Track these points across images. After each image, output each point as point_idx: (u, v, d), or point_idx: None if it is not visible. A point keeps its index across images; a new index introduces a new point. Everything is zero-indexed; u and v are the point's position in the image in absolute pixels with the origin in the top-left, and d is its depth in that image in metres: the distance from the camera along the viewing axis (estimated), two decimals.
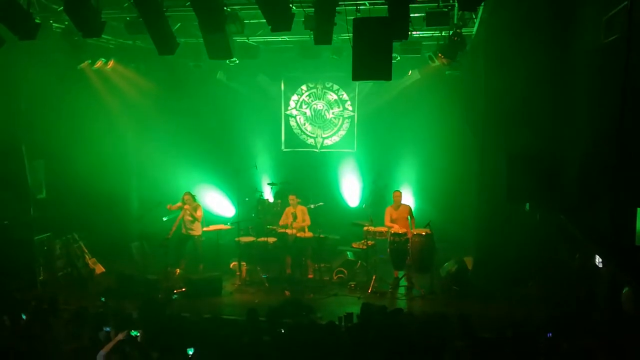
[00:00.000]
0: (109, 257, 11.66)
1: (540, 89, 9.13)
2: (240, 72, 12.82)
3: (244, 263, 10.66)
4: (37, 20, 8.57)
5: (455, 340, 6.17)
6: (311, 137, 14.25)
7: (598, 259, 7.34)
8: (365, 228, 10.45)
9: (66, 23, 9.57)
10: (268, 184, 13.38)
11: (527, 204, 9.27)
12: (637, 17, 5.81)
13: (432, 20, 8.64)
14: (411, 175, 12.99)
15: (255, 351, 6.12)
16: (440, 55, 10.16)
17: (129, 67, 12.32)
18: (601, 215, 6.83)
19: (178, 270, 10.69)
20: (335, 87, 13.96)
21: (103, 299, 9.35)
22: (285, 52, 11.95)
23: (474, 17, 9.65)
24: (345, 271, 10.70)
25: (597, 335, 6.55)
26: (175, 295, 9.53)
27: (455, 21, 9.28)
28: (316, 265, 10.63)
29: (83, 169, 11.56)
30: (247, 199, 12.96)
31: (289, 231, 10.69)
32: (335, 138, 14.14)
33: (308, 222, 10.87)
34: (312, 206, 11.59)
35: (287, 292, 9.93)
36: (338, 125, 14.08)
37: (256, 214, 12.36)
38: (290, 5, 7.94)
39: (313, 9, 7.99)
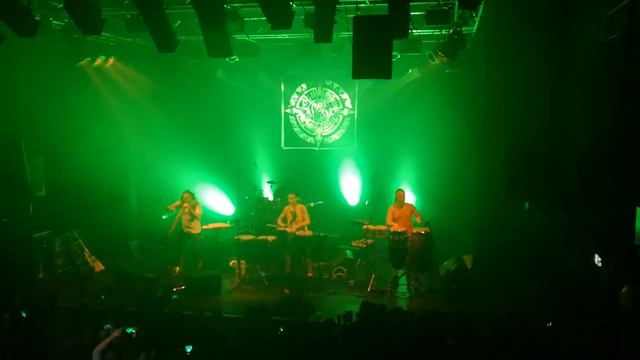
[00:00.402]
0: (109, 255, 11.66)
1: (540, 87, 9.13)
2: (240, 70, 12.81)
3: (243, 261, 10.66)
4: (37, 18, 8.55)
5: (454, 339, 6.16)
6: (311, 135, 14.25)
7: (597, 258, 7.35)
8: (365, 227, 10.44)
9: (66, 20, 9.56)
10: (267, 182, 13.39)
11: (527, 203, 9.28)
12: (637, 15, 5.80)
13: (432, 18, 8.64)
14: (411, 173, 12.99)
15: (254, 349, 6.12)
16: (440, 53, 10.16)
17: (128, 65, 12.32)
18: (601, 214, 6.83)
19: (177, 268, 10.70)
20: (335, 85, 13.96)
21: (103, 296, 9.37)
22: (285, 50, 11.95)
23: (474, 15, 9.64)
24: (345, 270, 10.70)
25: (596, 335, 6.55)
26: (175, 296, 9.52)
27: (455, 19, 9.27)
28: (315, 264, 10.62)
29: (83, 167, 11.55)
30: (246, 197, 12.97)
31: (288, 229, 10.69)
32: (335, 136, 14.14)
33: (308, 220, 10.87)
34: (311, 204, 11.58)
35: (286, 291, 9.93)
36: (338, 124, 14.08)
37: (256, 212, 12.36)
38: (291, 3, 7.93)
39: (313, 7, 8.00)
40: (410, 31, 8.33)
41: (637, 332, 5.98)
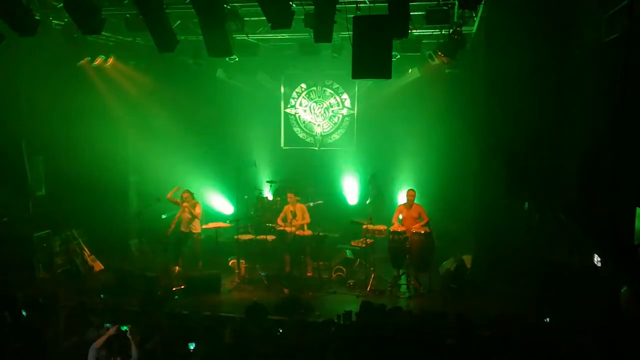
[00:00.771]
0: (108, 254, 11.66)
1: (541, 87, 9.13)
2: (240, 69, 12.79)
3: (243, 261, 10.66)
4: (36, 17, 8.55)
5: (453, 338, 6.16)
6: (311, 135, 14.25)
7: (597, 258, 7.35)
8: (364, 226, 10.45)
9: (66, 20, 9.55)
10: (267, 181, 13.38)
11: (526, 203, 9.28)
12: (638, 16, 5.81)
13: (432, 18, 8.63)
14: (410, 173, 12.96)
15: (253, 348, 6.12)
16: (440, 53, 10.15)
17: (128, 65, 12.30)
18: (600, 215, 6.84)
19: (177, 268, 10.69)
20: (335, 85, 13.96)
21: (102, 295, 9.38)
22: (285, 50, 11.95)
23: (474, 15, 9.64)
24: (344, 269, 10.71)
25: (596, 335, 6.55)
26: (177, 296, 9.54)
27: (455, 19, 9.26)
28: (315, 264, 10.63)
29: (82, 166, 11.56)
30: (246, 196, 12.97)
31: (287, 229, 10.69)
32: (335, 136, 14.14)
33: (308, 220, 10.87)
34: (311, 204, 11.58)
35: (285, 290, 9.93)
36: (337, 123, 14.08)
37: (255, 212, 12.36)
38: (290, 3, 7.93)
39: (313, 7, 7.98)
40: (410, 31, 8.34)
41: (637, 332, 5.98)
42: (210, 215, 12.78)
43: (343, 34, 8.95)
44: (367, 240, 10.37)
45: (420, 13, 8.90)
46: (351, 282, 10.32)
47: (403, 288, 10.12)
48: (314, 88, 14.10)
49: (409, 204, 10.30)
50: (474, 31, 10.18)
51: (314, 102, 14.14)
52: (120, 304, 7.91)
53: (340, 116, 14.04)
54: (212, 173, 13.62)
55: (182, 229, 10.79)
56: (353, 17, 7.46)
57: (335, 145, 14.11)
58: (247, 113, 13.55)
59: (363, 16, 7.57)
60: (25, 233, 10.49)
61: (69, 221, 11.48)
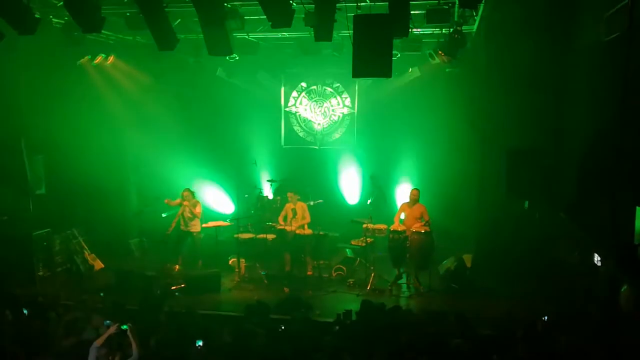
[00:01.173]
0: (108, 253, 11.66)
1: (541, 86, 9.13)
2: (240, 68, 12.79)
3: (243, 260, 10.66)
4: (37, 15, 8.56)
5: (453, 338, 6.16)
6: (311, 133, 14.25)
7: (597, 257, 7.35)
8: (365, 225, 10.45)
9: (66, 18, 9.55)
10: (267, 180, 13.38)
11: (526, 202, 9.28)
12: (638, 15, 5.80)
13: (433, 17, 8.63)
14: (411, 172, 12.96)
15: (253, 347, 6.12)
16: (440, 52, 10.15)
17: (128, 63, 12.30)
18: (600, 214, 6.83)
19: (177, 267, 10.70)
20: (336, 84, 13.95)
21: (102, 294, 9.38)
22: (285, 49, 11.95)
23: (474, 14, 9.63)
24: (344, 268, 10.71)
25: (596, 334, 6.55)
26: (177, 293, 9.54)
27: (455, 18, 9.26)
28: (315, 263, 10.63)
29: (82, 165, 11.56)
30: (246, 195, 12.96)
31: (288, 228, 10.69)
32: (335, 135, 14.13)
33: (308, 219, 10.86)
34: (311, 203, 11.58)
35: (286, 289, 9.93)
36: (338, 122, 14.07)
37: (255, 211, 12.35)
38: (291, 1, 7.93)
39: (313, 6, 7.98)
40: (410, 30, 8.33)
41: (637, 331, 5.98)
42: (211, 214, 12.78)
43: (343, 33, 8.94)
44: (367, 239, 10.37)
45: (420, 12, 8.90)
46: (351, 281, 10.32)
47: (403, 287, 10.12)
48: (315, 87, 14.09)
49: (412, 203, 10.28)
50: (474, 30, 10.17)
51: (315, 101, 14.14)
52: (120, 303, 7.90)
53: (341, 115, 14.03)
54: (213, 172, 13.61)
55: (182, 227, 10.80)
56: (353, 15, 7.45)
57: (336, 144, 14.10)
58: (247, 112, 13.54)
59: (363, 15, 7.57)
60: (25, 232, 10.49)
61: (69, 220, 11.48)
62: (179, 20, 9.83)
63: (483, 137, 10.39)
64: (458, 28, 9.33)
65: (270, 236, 10.76)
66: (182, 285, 9.92)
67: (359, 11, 7.76)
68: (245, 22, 9.27)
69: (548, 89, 9.10)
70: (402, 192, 10.75)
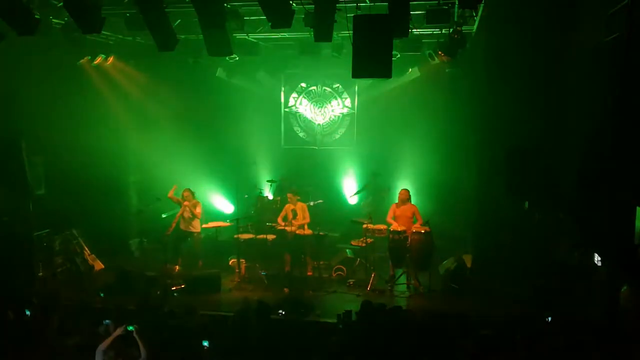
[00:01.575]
0: (108, 254, 11.65)
1: (540, 86, 9.13)
2: (240, 68, 12.80)
3: (243, 260, 10.66)
4: (36, 16, 8.55)
5: (454, 338, 6.17)
6: (311, 134, 14.25)
7: (597, 257, 7.35)
8: (365, 226, 10.45)
9: (66, 19, 9.54)
10: (267, 181, 13.38)
11: (526, 202, 9.28)
12: (638, 15, 5.81)
13: (433, 17, 8.64)
14: (411, 172, 12.96)
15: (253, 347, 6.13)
16: (440, 52, 10.15)
17: (128, 64, 12.30)
18: (600, 214, 6.84)
19: (177, 267, 10.70)
20: (335, 84, 13.95)
21: (102, 294, 9.38)
22: (285, 49, 11.94)
23: (474, 14, 9.63)
24: (345, 268, 10.70)
25: (596, 334, 6.55)
26: (176, 294, 9.54)
27: (455, 19, 9.26)
28: (315, 263, 10.63)
29: (82, 165, 11.54)
30: (246, 196, 12.97)
31: (288, 228, 10.69)
32: (335, 135, 14.14)
33: (308, 219, 10.86)
34: (311, 203, 11.58)
35: (286, 290, 9.93)
36: (338, 123, 14.08)
37: (255, 211, 12.35)
38: (291, 2, 7.93)
39: (313, 6, 7.98)
40: (410, 30, 8.34)
41: (637, 331, 5.98)
42: (211, 214, 12.78)
43: (343, 33, 8.95)
44: (368, 239, 10.37)
45: (420, 12, 8.91)
46: (351, 281, 10.32)
47: (403, 287, 10.12)
48: (314, 87, 14.09)
49: (400, 203, 10.29)
50: (474, 30, 10.18)
51: (314, 101, 14.14)
52: (120, 303, 7.90)
53: (340, 115, 14.04)
54: (212, 172, 13.61)
55: (182, 228, 10.80)
56: (353, 16, 7.46)
57: (336, 145, 14.11)
58: (247, 112, 13.54)
59: (363, 15, 7.57)
60: (25, 232, 10.47)
61: (69, 220, 11.46)
62: (179, 20, 9.83)
63: (483, 137, 10.40)
64: (458, 28, 9.34)
65: (270, 236, 10.76)
66: (182, 286, 9.92)
67: (358, 11, 7.76)
68: (245, 22, 9.27)
69: (548, 89, 9.11)
70: (399, 192, 10.70)
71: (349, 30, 7.45)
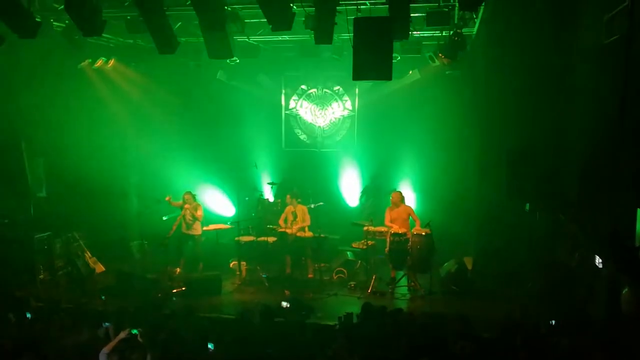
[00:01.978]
0: (109, 256, 11.66)
1: (541, 88, 9.13)
2: (241, 71, 12.81)
3: (244, 262, 10.67)
4: (37, 19, 8.56)
5: (456, 341, 6.16)
6: (311, 136, 14.25)
7: (598, 259, 7.34)
8: (365, 228, 10.44)
9: (67, 22, 9.57)
10: (268, 183, 13.39)
11: (527, 204, 9.27)
12: (638, 17, 5.81)
13: (433, 20, 8.65)
14: (411, 175, 12.96)
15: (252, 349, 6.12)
16: (440, 55, 10.16)
17: (129, 66, 12.32)
18: (601, 216, 6.83)
19: (178, 270, 10.70)
20: (336, 86, 13.96)
21: (103, 296, 9.37)
22: (285, 52, 11.95)
23: (474, 17, 9.65)
24: (345, 271, 10.71)
25: (597, 336, 6.55)
26: (175, 298, 9.54)
27: (455, 21, 9.27)
28: (316, 265, 10.63)
29: (83, 168, 11.56)
30: (247, 198, 12.97)
31: (288, 231, 10.69)
32: (336, 137, 14.14)
33: (308, 221, 10.86)
34: (312, 206, 11.58)
35: (286, 292, 9.91)
36: (338, 125, 14.08)
37: (256, 214, 12.35)
38: (291, 4, 7.94)
39: (314, 9, 8.00)
40: (410, 33, 8.35)
41: (638, 333, 5.98)
42: (211, 217, 12.78)
43: (343, 36, 8.96)
44: (368, 242, 10.36)
45: (420, 15, 8.91)
46: (352, 283, 10.32)
47: (404, 290, 10.11)
48: (315, 90, 14.10)
49: (394, 206, 10.29)
50: (474, 33, 10.19)
51: (315, 103, 14.15)
52: (121, 306, 7.90)
53: (341, 117, 14.04)
54: (213, 175, 13.61)
55: (183, 230, 10.80)
56: (353, 18, 7.46)
57: (336, 147, 14.10)
58: (247, 115, 13.54)
59: (363, 18, 7.57)
60: (26, 235, 10.49)
61: (69, 223, 11.47)
62: (180, 23, 9.85)
63: (483, 139, 10.40)
64: (458, 31, 9.35)
65: (271, 239, 10.77)
66: (183, 288, 9.92)
67: (359, 14, 7.76)
68: (246, 25, 9.30)
69: (548, 91, 9.10)
70: (399, 195, 10.71)
71: (349, 33, 7.46)
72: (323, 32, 8.20)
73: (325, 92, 14.05)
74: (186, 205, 10.70)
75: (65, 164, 11.61)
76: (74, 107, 11.77)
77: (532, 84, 9.14)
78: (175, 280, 10.30)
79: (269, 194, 13.43)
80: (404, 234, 9.97)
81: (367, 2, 8.34)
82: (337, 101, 14.02)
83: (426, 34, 10.24)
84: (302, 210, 10.93)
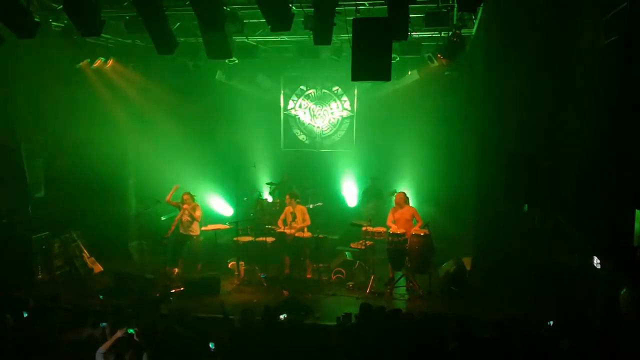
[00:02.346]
0: (108, 256, 11.65)
1: (539, 89, 9.13)
2: (240, 71, 12.82)
3: (242, 263, 10.67)
4: (36, 19, 8.56)
5: (455, 340, 6.16)
6: (310, 136, 14.26)
7: (596, 260, 7.35)
8: (364, 228, 10.45)
9: (65, 22, 9.56)
10: (267, 183, 13.39)
11: (526, 205, 9.27)
12: (637, 18, 5.81)
13: (432, 20, 8.66)
14: (410, 175, 12.99)
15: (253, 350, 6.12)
16: (439, 55, 10.17)
17: (128, 66, 12.30)
18: (600, 216, 6.84)
19: (176, 270, 10.69)
20: (335, 87, 13.97)
21: (101, 296, 9.36)
22: (284, 52, 11.95)
23: (473, 17, 9.66)
24: (344, 271, 10.70)
25: (595, 337, 6.55)
26: (172, 298, 9.54)
27: (454, 22, 9.29)
28: (314, 265, 10.63)
29: (82, 168, 11.56)
30: (245, 198, 12.97)
31: (287, 231, 10.69)
32: (335, 138, 14.15)
33: (308, 222, 10.86)
34: (310, 206, 11.59)
35: (285, 292, 9.92)
36: (337, 125, 14.09)
37: (255, 214, 12.35)
38: (290, 5, 7.94)
39: (313, 9, 7.99)
40: (409, 33, 8.34)
41: (636, 334, 5.98)
42: (210, 217, 12.78)
43: (342, 37, 8.98)
44: (367, 242, 10.37)
45: (419, 15, 8.93)
46: (350, 284, 10.32)
47: (402, 290, 10.11)
48: (314, 90, 14.11)
49: (398, 206, 10.31)
50: (473, 33, 10.20)
51: (314, 104, 14.15)
52: (119, 306, 7.88)
53: (340, 118, 14.05)
54: (212, 175, 13.62)
55: (182, 231, 10.79)
56: (352, 19, 7.45)
57: (335, 147, 14.11)
58: (246, 115, 13.55)
59: (362, 18, 7.57)
60: (24, 235, 10.49)
61: (68, 223, 11.46)
62: (179, 23, 9.85)
63: (482, 140, 10.40)
64: (457, 31, 9.36)
65: (270, 239, 10.77)
66: (181, 289, 9.91)
67: (358, 15, 7.77)
68: (245, 25, 9.28)
69: (547, 91, 9.11)
70: (404, 196, 10.71)
71: (348, 33, 7.45)
72: (322, 33, 8.20)
73: (324, 92, 14.07)
74: (185, 206, 10.70)
75: (63, 164, 11.60)
76: (73, 107, 11.76)
77: (531, 85, 9.14)
78: (174, 280, 10.29)
79: (267, 194, 13.43)
80: (403, 235, 9.98)
81: (366, 2, 8.35)
82: (336, 101, 14.03)
83: (425, 34, 10.26)
84: (301, 210, 10.93)
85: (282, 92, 14.24)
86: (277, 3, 7.57)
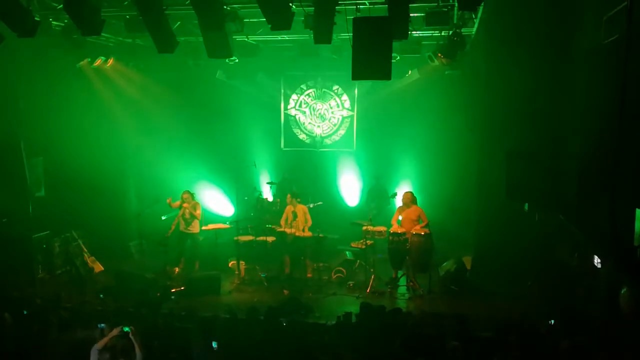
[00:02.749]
0: (108, 256, 11.65)
1: (540, 88, 9.13)
2: (240, 70, 12.80)
3: (243, 262, 10.66)
4: (36, 18, 8.56)
5: (453, 340, 6.16)
6: (310, 136, 14.25)
7: (597, 259, 7.35)
8: (364, 227, 10.45)
9: (66, 21, 9.56)
10: (267, 183, 13.39)
11: (526, 204, 9.27)
12: (637, 17, 5.81)
13: (432, 20, 8.65)
14: (410, 174, 12.98)
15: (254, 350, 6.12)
16: (440, 55, 10.15)
17: (128, 66, 12.30)
18: (600, 216, 6.83)
19: (177, 269, 10.70)
20: (335, 86, 13.96)
21: (101, 295, 9.36)
22: (285, 51, 11.95)
23: (473, 17, 9.65)
24: (344, 270, 10.70)
25: (596, 336, 6.55)
26: (173, 297, 9.54)
27: (455, 21, 9.27)
28: (315, 265, 10.63)
29: (82, 167, 11.55)
30: (246, 197, 12.96)
31: (287, 230, 10.69)
32: (335, 137, 14.14)
33: (310, 221, 10.84)
34: (311, 205, 11.58)
35: (285, 291, 9.92)
36: (337, 125, 14.08)
37: (255, 213, 12.35)
38: (290, 4, 7.94)
39: (313, 8, 7.99)
40: (410, 32, 8.34)
41: (637, 333, 5.98)
42: (210, 216, 12.78)
43: (343, 36, 8.96)
44: (367, 241, 10.36)
45: (420, 14, 8.92)
46: (351, 283, 10.32)
47: (403, 289, 10.11)
48: (314, 89, 14.10)
49: (405, 206, 10.31)
50: (473, 33, 10.19)
51: (314, 103, 14.14)
52: (120, 305, 7.90)
53: (340, 117, 14.04)
54: (212, 174, 13.62)
55: (182, 229, 10.80)
56: (353, 18, 7.45)
57: (335, 147, 14.10)
58: (246, 114, 13.53)
59: (363, 18, 7.57)
60: (24, 234, 10.49)
61: (68, 222, 11.47)
62: (179, 22, 9.85)
63: (482, 139, 10.39)
64: (457, 30, 9.35)
65: (270, 238, 10.76)
66: (182, 288, 9.91)
67: (358, 14, 7.76)
68: (245, 24, 9.27)
69: (547, 91, 9.10)
70: (402, 195, 10.71)
71: (348, 33, 7.45)
72: (322, 32, 8.20)
73: (324, 91, 14.05)
74: (185, 204, 10.70)
75: (64, 163, 11.60)
76: (73, 107, 11.76)
77: (532, 84, 9.14)
78: (174, 279, 10.29)
79: (268, 194, 13.43)
80: (404, 234, 9.97)
81: (366, 1, 8.34)
82: (336, 101, 14.02)
83: (425, 33, 10.25)
84: (302, 210, 10.92)
85: (283, 91, 14.23)
86: (278, 2, 7.57)
